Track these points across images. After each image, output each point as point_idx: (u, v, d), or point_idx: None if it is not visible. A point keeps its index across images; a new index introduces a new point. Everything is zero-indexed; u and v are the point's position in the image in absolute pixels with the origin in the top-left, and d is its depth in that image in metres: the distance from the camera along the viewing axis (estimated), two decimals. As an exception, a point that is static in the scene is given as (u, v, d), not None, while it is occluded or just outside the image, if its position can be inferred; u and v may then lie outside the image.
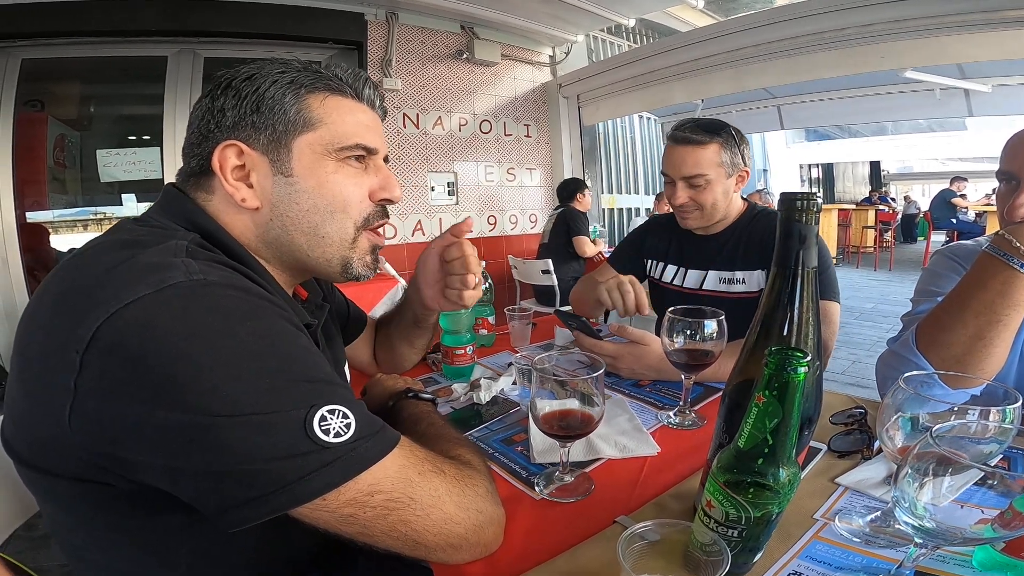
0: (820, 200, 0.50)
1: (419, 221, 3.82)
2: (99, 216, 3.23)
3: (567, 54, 4.45)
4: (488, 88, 4.11)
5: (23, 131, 2.99)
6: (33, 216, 3.06)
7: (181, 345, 0.44)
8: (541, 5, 3.74)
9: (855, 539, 0.57)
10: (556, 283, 3.35)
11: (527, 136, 4.36)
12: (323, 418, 0.47)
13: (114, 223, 0.63)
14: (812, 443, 0.76)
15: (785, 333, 0.51)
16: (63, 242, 3.14)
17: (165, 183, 0.68)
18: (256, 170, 0.62)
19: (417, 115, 3.74)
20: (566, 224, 3.51)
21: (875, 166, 13.55)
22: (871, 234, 8.37)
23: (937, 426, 0.43)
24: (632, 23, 4.24)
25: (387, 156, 0.72)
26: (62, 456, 0.49)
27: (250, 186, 0.62)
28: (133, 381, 0.43)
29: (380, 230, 0.71)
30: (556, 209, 3.67)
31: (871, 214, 8.66)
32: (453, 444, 0.66)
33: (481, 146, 4.10)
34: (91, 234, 2.66)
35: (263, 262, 0.66)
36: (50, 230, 3.15)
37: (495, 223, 4.23)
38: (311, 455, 0.45)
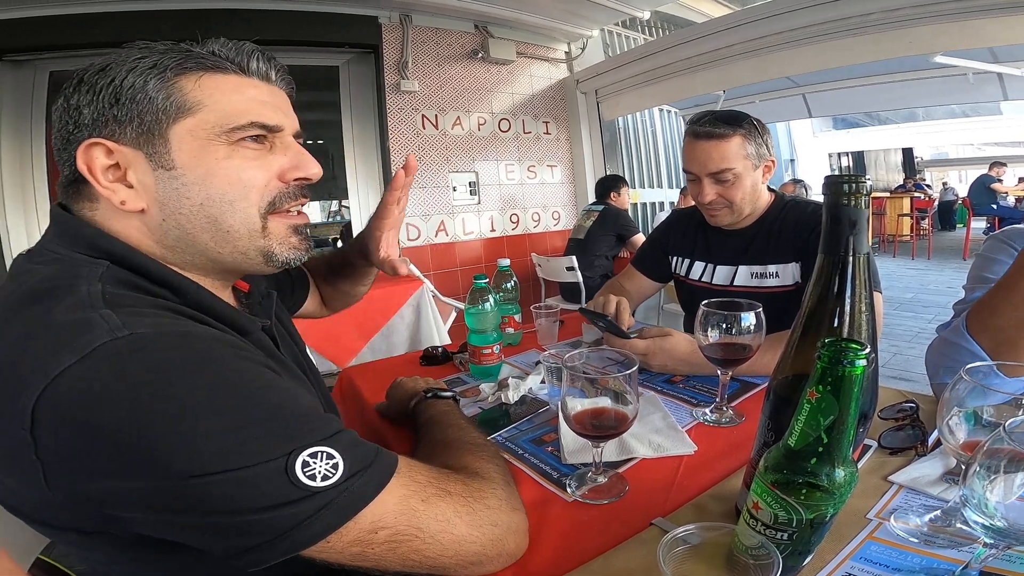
0: (870, 182, 0.47)
1: (442, 221, 3.82)
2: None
3: (583, 50, 4.39)
4: (505, 87, 4.09)
5: (57, 144, 3.10)
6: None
7: (126, 413, 0.40)
8: (554, 1, 3.71)
9: (912, 539, 0.54)
10: (581, 280, 3.32)
11: (546, 133, 4.33)
12: (305, 463, 0.44)
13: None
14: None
15: (836, 324, 0.48)
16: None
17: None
18: (133, 167, 0.55)
19: (436, 116, 3.74)
20: (613, 225, 3.46)
21: (908, 153, 13.12)
22: (907, 222, 8.10)
23: (1010, 421, 0.40)
24: (647, 16, 4.17)
25: (300, 132, 0.65)
26: (58, 515, 0.47)
27: (130, 186, 0.55)
28: (91, 454, 0.41)
29: (295, 210, 0.63)
30: (594, 205, 3.62)
31: (906, 202, 8.37)
32: (465, 451, 0.63)
33: (501, 145, 4.08)
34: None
35: (184, 272, 0.59)
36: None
37: (517, 221, 4.21)
38: (302, 502, 0.43)
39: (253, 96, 0.59)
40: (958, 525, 0.54)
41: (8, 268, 0.56)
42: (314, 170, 0.63)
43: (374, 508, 0.46)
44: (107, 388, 0.41)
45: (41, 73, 3.02)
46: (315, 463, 0.44)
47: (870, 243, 0.50)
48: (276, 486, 0.42)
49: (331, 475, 0.44)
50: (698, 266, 1.37)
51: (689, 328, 1.12)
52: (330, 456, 0.45)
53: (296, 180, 0.62)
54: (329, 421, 0.49)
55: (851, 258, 0.48)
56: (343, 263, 1.04)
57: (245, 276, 0.72)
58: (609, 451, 0.76)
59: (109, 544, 0.51)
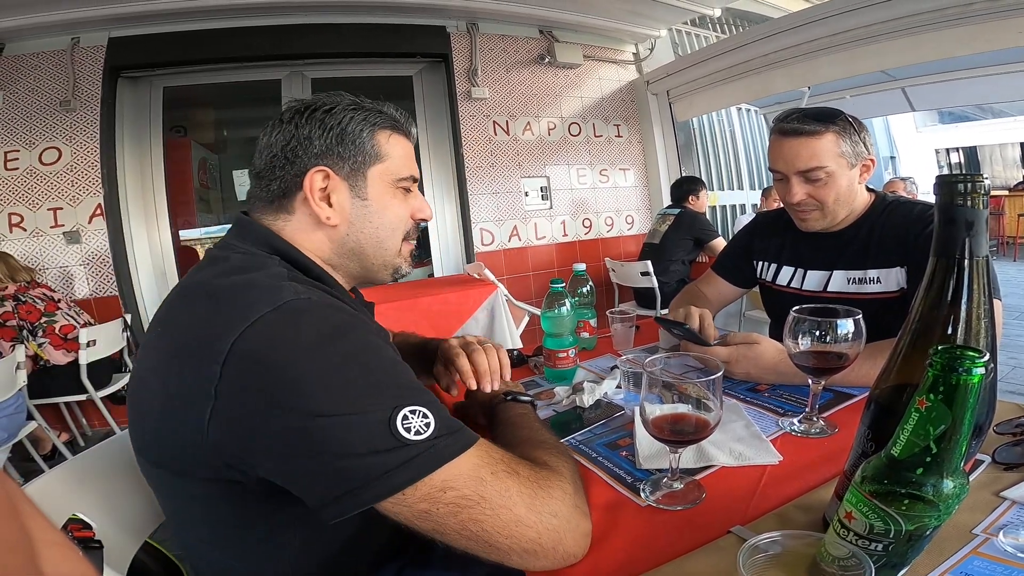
0: (988, 181, 0.44)
1: (515, 227, 3.88)
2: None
3: (651, 50, 4.32)
4: (573, 90, 4.09)
5: (172, 155, 3.46)
6: (185, 234, 3.52)
7: (292, 356, 0.52)
8: (617, 2, 3.67)
9: (1021, 555, 0.50)
10: (656, 285, 3.25)
11: (618, 136, 4.29)
12: (405, 417, 0.52)
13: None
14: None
15: (950, 332, 0.45)
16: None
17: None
18: (336, 192, 0.72)
19: (507, 122, 3.82)
20: (690, 228, 3.36)
21: (1027, 147, 11.69)
22: (1031, 222, 7.24)
23: None
24: (717, 13, 4.04)
25: (419, 179, 0.84)
26: (198, 459, 0.57)
27: (330, 206, 0.72)
28: (258, 385, 0.52)
29: (412, 240, 0.83)
30: (669, 209, 3.52)
31: (1029, 200, 7.48)
32: (539, 447, 0.66)
33: (571, 149, 4.09)
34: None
35: (332, 272, 0.76)
36: (199, 247, 3.61)
37: (590, 226, 4.19)
38: (394, 451, 0.51)
39: (409, 155, 0.79)
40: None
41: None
42: (429, 212, 0.83)
43: (450, 468, 0.53)
44: (283, 332, 0.54)
45: (156, 89, 3.35)
46: (413, 419, 0.53)
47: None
48: (377, 434, 0.51)
49: (423, 432, 0.53)
50: (786, 271, 1.30)
51: (775, 336, 1.07)
52: (425, 416, 0.54)
53: (419, 219, 0.81)
54: (430, 393, 0.58)
55: (967, 261, 0.45)
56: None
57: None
58: (686, 458, 0.74)
59: (224, 502, 0.61)
